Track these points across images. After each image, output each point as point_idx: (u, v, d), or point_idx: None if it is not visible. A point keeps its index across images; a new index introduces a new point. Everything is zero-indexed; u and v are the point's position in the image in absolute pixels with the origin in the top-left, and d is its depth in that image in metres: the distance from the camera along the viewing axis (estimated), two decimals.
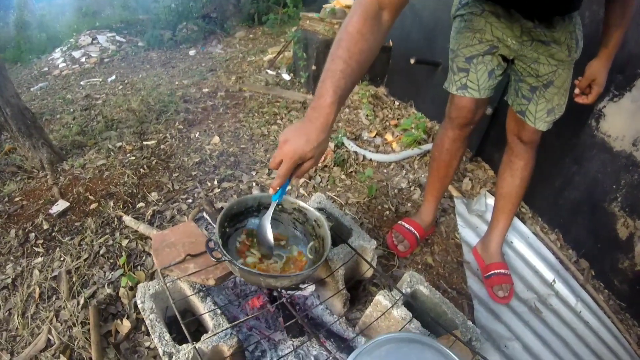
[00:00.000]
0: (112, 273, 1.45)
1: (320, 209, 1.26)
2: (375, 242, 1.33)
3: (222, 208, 1.84)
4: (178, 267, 1.09)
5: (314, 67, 3.24)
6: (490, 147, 2.43)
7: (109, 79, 3.97)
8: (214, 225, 1.76)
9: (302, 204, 1.17)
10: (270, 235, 1.05)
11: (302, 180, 2.13)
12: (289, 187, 0.96)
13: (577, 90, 1.37)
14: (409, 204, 2.06)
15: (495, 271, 1.63)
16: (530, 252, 1.88)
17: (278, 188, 0.94)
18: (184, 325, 0.85)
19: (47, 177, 2.03)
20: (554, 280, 1.77)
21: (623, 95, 1.69)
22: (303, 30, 3.44)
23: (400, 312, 1.09)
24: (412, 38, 3.06)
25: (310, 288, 1.21)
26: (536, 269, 1.83)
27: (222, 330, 0.90)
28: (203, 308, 1.00)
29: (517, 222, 2.02)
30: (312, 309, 1.25)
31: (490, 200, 2.09)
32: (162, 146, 2.42)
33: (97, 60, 4.64)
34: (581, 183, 1.91)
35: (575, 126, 1.87)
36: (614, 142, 1.75)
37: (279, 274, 1.02)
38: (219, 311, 0.99)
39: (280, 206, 1.19)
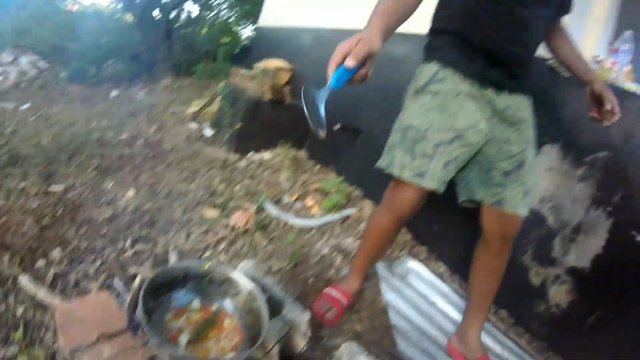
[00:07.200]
0: (5, 350, 1.25)
1: (253, 280, 1.22)
2: (309, 314, 1.30)
3: (135, 275, 1.64)
4: (90, 351, 0.93)
5: (238, 125, 3.21)
6: None
7: (22, 107, 3.50)
8: (125, 298, 1.55)
9: (233, 274, 1.12)
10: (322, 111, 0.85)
11: (222, 245, 2.06)
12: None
13: (605, 121, 1.34)
14: (332, 271, 2.09)
15: None
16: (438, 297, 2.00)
17: (332, 72, 0.85)
18: None
19: None
20: None
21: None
22: (233, 85, 3.47)
23: None
24: (336, 104, 3.25)
25: None
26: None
27: None
28: None
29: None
30: None
31: (413, 264, 2.19)
32: (70, 194, 2.19)
33: (13, 83, 4.08)
34: None
35: None
36: None
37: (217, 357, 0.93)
38: None
39: (208, 277, 1.14)
